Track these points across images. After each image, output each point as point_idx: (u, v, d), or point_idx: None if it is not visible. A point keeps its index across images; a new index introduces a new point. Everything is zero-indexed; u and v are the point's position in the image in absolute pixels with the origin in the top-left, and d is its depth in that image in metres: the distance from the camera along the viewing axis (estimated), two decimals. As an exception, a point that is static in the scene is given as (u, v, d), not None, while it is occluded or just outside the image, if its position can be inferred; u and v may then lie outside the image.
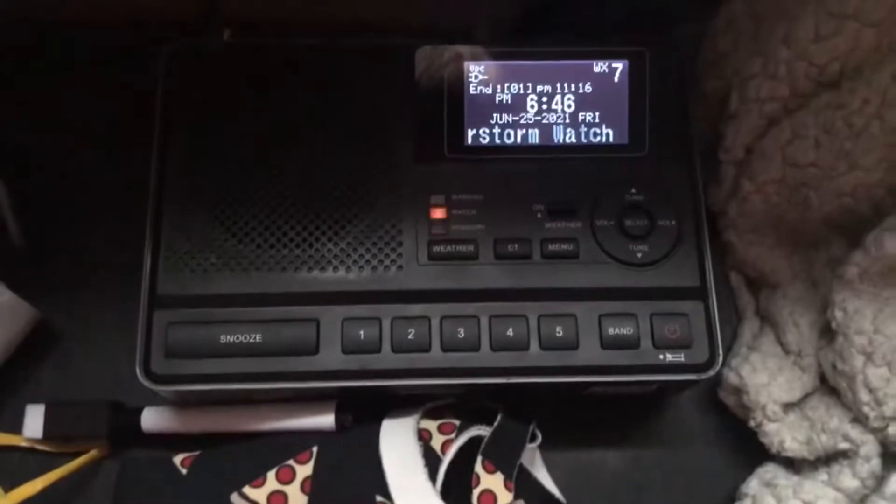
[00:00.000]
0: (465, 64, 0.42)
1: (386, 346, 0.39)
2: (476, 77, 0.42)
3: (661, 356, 0.39)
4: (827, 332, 0.43)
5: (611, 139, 0.42)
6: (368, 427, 0.41)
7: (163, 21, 0.45)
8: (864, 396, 0.40)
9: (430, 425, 0.41)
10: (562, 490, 0.42)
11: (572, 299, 0.40)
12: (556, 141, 0.42)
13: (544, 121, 0.42)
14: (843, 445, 0.41)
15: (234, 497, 0.39)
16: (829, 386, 0.43)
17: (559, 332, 0.39)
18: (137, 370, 0.38)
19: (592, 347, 0.39)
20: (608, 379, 0.39)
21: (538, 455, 0.43)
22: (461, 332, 0.39)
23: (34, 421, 0.42)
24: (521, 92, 0.42)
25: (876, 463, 0.40)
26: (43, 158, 0.48)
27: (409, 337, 0.39)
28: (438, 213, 0.41)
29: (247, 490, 0.39)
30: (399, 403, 0.42)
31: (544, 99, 0.42)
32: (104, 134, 0.48)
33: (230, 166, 0.41)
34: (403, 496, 0.38)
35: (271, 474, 0.40)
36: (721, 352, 0.39)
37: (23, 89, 0.49)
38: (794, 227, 0.45)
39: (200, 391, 0.39)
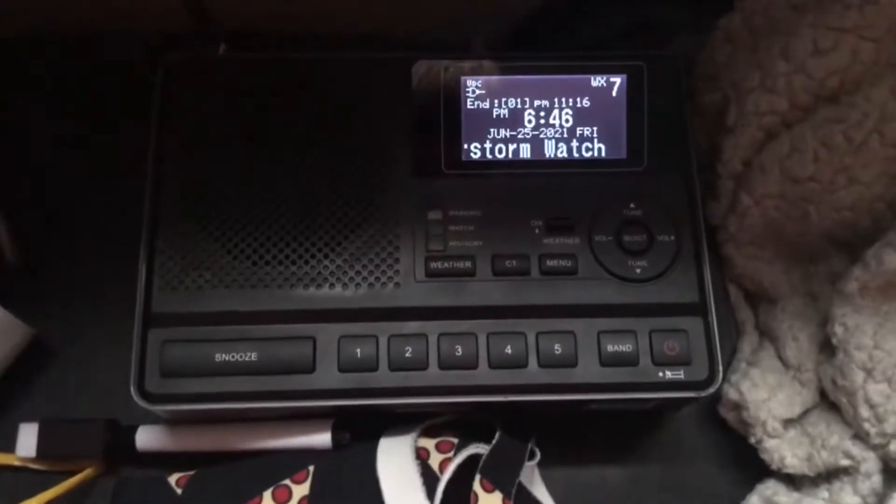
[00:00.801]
0: (462, 78, 0.42)
1: (383, 364, 0.39)
2: (473, 91, 0.42)
3: (661, 373, 0.39)
4: (827, 347, 0.43)
5: (609, 154, 0.42)
6: (365, 445, 0.41)
7: (158, 35, 0.44)
8: (865, 413, 0.40)
9: (428, 443, 0.41)
10: (561, 508, 0.42)
11: (571, 316, 0.40)
12: (553, 156, 0.42)
13: (542, 135, 0.42)
14: (844, 462, 0.40)
15: (230, 517, 0.39)
16: (830, 401, 0.43)
17: (558, 350, 0.39)
18: (132, 389, 0.38)
19: (591, 364, 0.39)
20: (607, 396, 0.39)
21: (537, 473, 0.43)
22: (459, 350, 0.39)
23: (28, 440, 0.42)
24: (519, 106, 0.42)
25: (877, 480, 0.40)
26: (38, 175, 0.48)
27: (407, 355, 0.39)
28: (436, 229, 0.40)
29: (243, 510, 0.39)
30: (396, 421, 0.42)
31: (542, 113, 0.42)
32: (99, 149, 0.48)
33: (225, 182, 0.40)
34: (401, 515, 0.38)
35: (267, 494, 0.39)
36: (721, 369, 0.39)
37: (18, 105, 0.48)
38: (793, 241, 0.45)
39: (196, 410, 0.39)
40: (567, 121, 0.42)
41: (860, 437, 0.41)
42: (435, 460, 0.40)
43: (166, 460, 0.42)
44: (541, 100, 0.42)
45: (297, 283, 0.39)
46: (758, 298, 0.47)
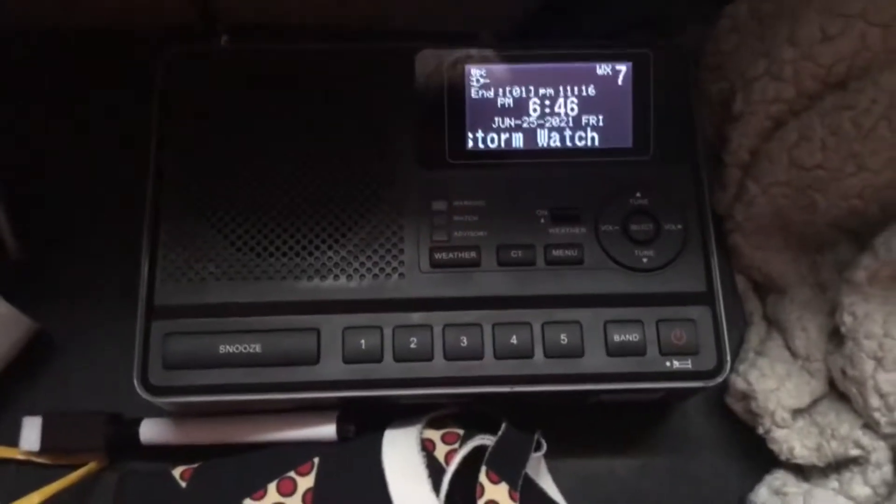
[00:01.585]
0: (467, 67, 0.42)
1: (388, 355, 0.38)
2: (478, 81, 0.42)
3: (668, 363, 0.39)
4: (835, 337, 0.42)
5: (615, 142, 0.41)
6: (370, 437, 0.40)
7: (161, 26, 0.44)
8: (875, 402, 0.40)
9: (434, 435, 0.40)
10: (568, 499, 0.42)
11: (577, 306, 0.39)
12: (558, 145, 0.42)
13: (547, 124, 0.42)
14: (854, 452, 0.40)
15: (235, 509, 0.39)
16: (839, 391, 0.42)
17: (564, 340, 0.39)
18: (135, 382, 0.38)
19: (598, 355, 0.39)
20: (614, 387, 0.39)
21: (543, 464, 0.42)
22: (464, 341, 0.38)
23: (31, 433, 0.42)
24: (524, 95, 0.42)
25: (888, 470, 0.40)
26: (39, 168, 0.48)
27: (412, 346, 0.38)
28: (440, 220, 0.40)
29: (247, 502, 0.39)
30: (402, 413, 0.42)
31: (547, 102, 0.42)
32: (101, 142, 0.47)
33: (228, 173, 0.40)
34: (407, 507, 0.38)
35: (272, 486, 0.39)
36: (729, 358, 0.39)
37: (19, 99, 0.48)
38: (800, 229, 0.45)
39: (199, 402, 0.38)
40: (572, 109, 0.42)
41: (870, 426, 0.40)
42: (441, 452, 0.40)
43: (170, 453, 0.42)
44: (545, 88, 0.42)
45: (301, 275, 0.39)
46: (765, 288, 0.47)
